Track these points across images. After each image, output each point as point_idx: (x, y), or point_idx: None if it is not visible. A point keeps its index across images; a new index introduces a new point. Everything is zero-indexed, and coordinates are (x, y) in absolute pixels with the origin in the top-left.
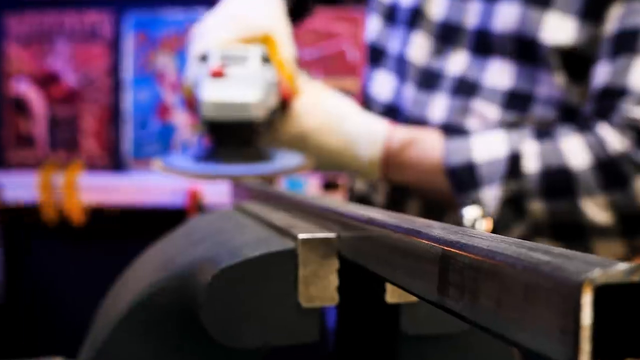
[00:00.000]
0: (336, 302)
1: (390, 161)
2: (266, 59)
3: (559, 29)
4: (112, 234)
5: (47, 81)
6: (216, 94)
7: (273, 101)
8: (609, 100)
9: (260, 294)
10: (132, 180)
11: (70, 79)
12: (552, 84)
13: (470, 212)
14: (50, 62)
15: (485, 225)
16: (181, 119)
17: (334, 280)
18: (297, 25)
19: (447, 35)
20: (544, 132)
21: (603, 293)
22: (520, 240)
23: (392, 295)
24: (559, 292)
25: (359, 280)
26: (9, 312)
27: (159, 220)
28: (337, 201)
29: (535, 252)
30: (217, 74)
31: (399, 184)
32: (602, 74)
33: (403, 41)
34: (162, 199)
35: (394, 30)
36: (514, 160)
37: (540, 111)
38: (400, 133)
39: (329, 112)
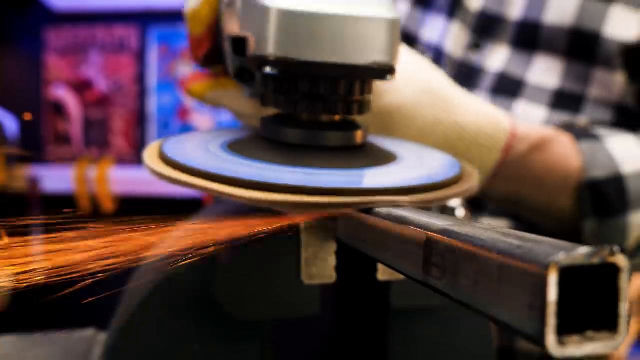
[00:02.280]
0: (334, 280)
1: (510, 168)
2: None
3: (623, 24)
4: (137, 221)
5: (81, 87)
6: (298, 0)
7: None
8: None
9: (267, 273)
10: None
11: (101, 85)
12: (608, 84)
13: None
14: (84, 70)
15: (464, 213)
16: (199, 121)
17: (332, 261)
18: None
19: (487, 27)
20: None
21: (567, 274)
22: (495, 227)
23: (383, 273)
24: (529, 273)
25: (354, 260)
26: (49, 288)
27: (179, 209)
28: None
29: (508, 238)
30: None
31: (500, 199)
32: None
33: (441, 31)
34: (182, 190)
35: (427, 16)
36: None
37: (591, 113)
38: (526, 130)
39: (431, 88)
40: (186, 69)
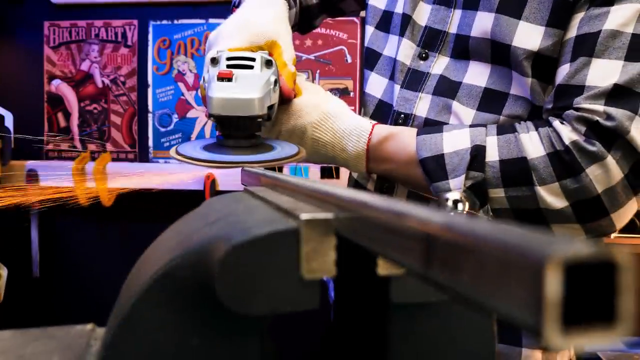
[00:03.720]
0: (334, 274)
1: (372, 154)
2: (268, 62)
3: (528, 37)
4: (136, 215)
5: (80, 81)
6: (223, 93)
7: (273, 99)
8: (566, 97)
9: (267, 267)
10: (154, 169)
11: (100, 79)
12: (523, 85)
13: (452, 195)
14: (82, 64)
15: (465, 207)
16: (197, 114)
17: (332, 255)
18: (305, 34)
19: (431, 41)
20: (505, 127)
21: (567, 268)
22: (494, 220)
23: (383, 268)
24: (529, 267)
25: (354, 255)
26: (44, 284)
27: (178, 203)
28: (335, 186)
29: (508, 232)
30: (224, 76)
31: (381, 175)
32: (561, 74)
33: (396, 46)
34: (181, 184)
35: (387, 36)
36: (477, 152)
37: (511, 109)
38: (381, 129)
39: (325, 112)
40: (183, 63)
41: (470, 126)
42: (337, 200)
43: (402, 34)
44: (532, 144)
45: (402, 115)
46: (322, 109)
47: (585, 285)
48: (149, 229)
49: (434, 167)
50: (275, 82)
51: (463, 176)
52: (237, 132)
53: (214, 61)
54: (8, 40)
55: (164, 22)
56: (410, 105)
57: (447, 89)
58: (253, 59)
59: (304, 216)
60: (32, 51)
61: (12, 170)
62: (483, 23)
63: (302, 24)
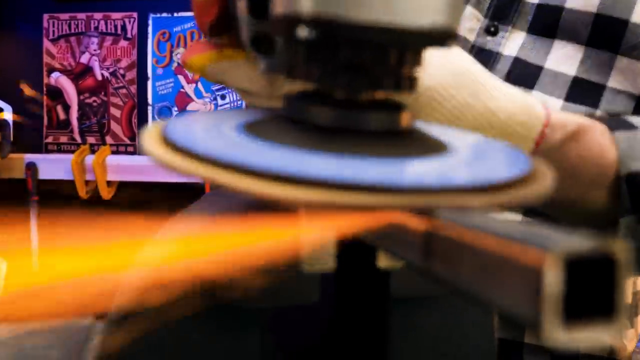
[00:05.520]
0: (334, 268)
1: (543, 159)
2: None
3: None
4: (135, 208)
5: (79, 74)
6: None
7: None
8: None
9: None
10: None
11: (100, 72)
12: (632, 75)
13: None
14: (82, 57)
15: None
16: (197, 107)
17: (332, 249)
18: None
19: (504, 11)
20: None
21: (567, 262)
22: (495, 216)
23: (384, 261)
24: (529, 261)
25: (354, 248)
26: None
27: (178, 196)
28: None
29: (509, 226)
30: None
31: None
32: None
33: None
34: (181, 177)
35: None
36: None
37: (609, 105)
38: (561, 119)
39: (463, 71)
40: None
41: None
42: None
43: (466, 0)
44: None
45: None
46: (455, 65)
47: (586, 279)
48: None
49: None
50: None
51: None
52: (371, 85)
53: None
54: (7, 33)
55: (164, 14)
56: None
57: (524, 74)
58: None
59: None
60: (32, 44)
61: (10, 163)
62: None
63: None
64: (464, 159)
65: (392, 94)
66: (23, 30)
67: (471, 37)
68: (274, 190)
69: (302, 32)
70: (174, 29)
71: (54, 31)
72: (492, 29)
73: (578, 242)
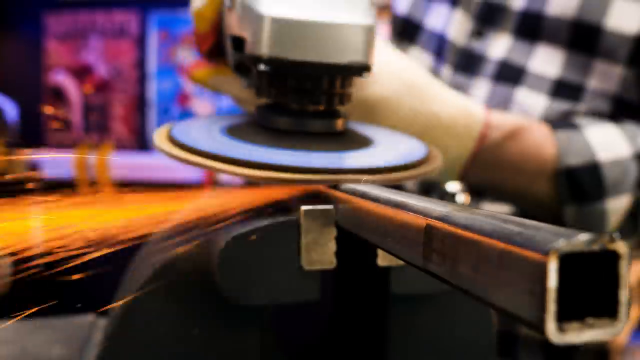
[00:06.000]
0: (334, 265)
1: (485, 156)
2: None
3: (625, 16)
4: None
5: (81, 73)
6: (290, 9)
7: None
8: None
9: (267, 258)
10: (155, 159)
11: (101, 71)
12: (609, 75)
13: (451, 186)
14: (84, 56)
15: (464, 198)
16: (200, 106)
17: (332, 246)
18: None
19: (489, 16)
20: None
21: (567, 260)
22: (495, 213)
23: (383, 259)
24: (529, 259)
25: (354, 246)
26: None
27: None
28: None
29: (508, 224)
30: None
31: (479, 185)
32: None
33: (445, 18)
34: (182, 176)
35: (432, 4)
36: None
37: (590, 103)
38: (500, 119)
39: (412, 82)
40: (186, 54)
41: (613, 119)
42: (337, 191)
43: (453, 3)
44: None
45: None
46: (404, 76)
47: (588, 278)
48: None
49: (587, 182)
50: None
51: (629, 195)
52: (312, 100)
53: None
54: (9, 32)
55: (166, 13)
56: (463, 92)
57: (509, 74)
58: None
59: (304, 207)
60: (34, 43)
61: (13, 161)
62: None
63: None
64: (375, 150)
65: (338, 105)
66: (25, 29)
67: (459, 40)
68: (241, 172)
69: (262, 66)
70: (176, 28)
71: (56, 30)
72: (479, 32)
73: (579, 239)
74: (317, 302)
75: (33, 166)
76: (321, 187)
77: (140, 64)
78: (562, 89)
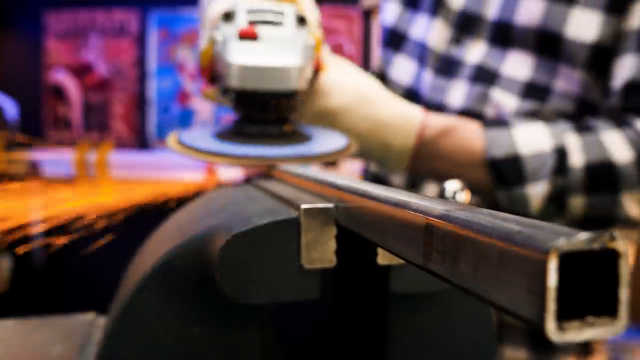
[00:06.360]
0: (334, 264)
1: (424, 150)
2: (302, 19)
3: (583, 25)
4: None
5: (81, 71)
6: (249, 58)
7: (310, 71)
8: (638, 94)
9: (267, 256)
10: (155, 158)
11: (101, 69)
12: (572, 79)
13: (451, 185)
14: (84, 54)
15: (465, 197)
16: (199, 104)
17: (332, 245)
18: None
19: (467, 25)
20: (582, 125)
21: (567, 259)
22: (495, 211)
23: (383, 258)
24: (529, 258)
25: (354, 245)
26: (48, 274)
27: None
28: (335, 176)
29: (508, 223)
30: (248, 35)
31: (426, 175)
32: (627, 68)
33: (425, 27)
34: (182, 174)
35: (416, 15)
36: (560, 154)
37: (557, 104)
38: (435, 120)
39: (360, 93)
40: (186, 53)
41: (544, 121)
42: (337, 190)
43: (433, 14)
44: (617, 145)
45: (434, 105)
46: (355, 88)
47: (588, 277)
48: (151, 218)
49: (509, 171)
50: (312, 47)
51: (546, 182)
52: (266, 114)
53: (229, 16)
54: (9, 31)
55: (166, 12)
56: (442, 94)
57: (484, 78)
58: (282, 13)
59: (304, 206)
60: (34, 41)
61: (13, 160)
62: (531, 9)
63: None
64: (310, 144)
65: (285, 115)
66: (25, 27)
67: (439, 47)
68: (222, 161)
69: (231, 94)
70: (176, 27)
71: (56, 29)
72: (457, 39)
73: (579, 238)
74: (317, 301)
75: (33, 164)
76: (264, 169)
77: (140, 62)
78: (532, 90)
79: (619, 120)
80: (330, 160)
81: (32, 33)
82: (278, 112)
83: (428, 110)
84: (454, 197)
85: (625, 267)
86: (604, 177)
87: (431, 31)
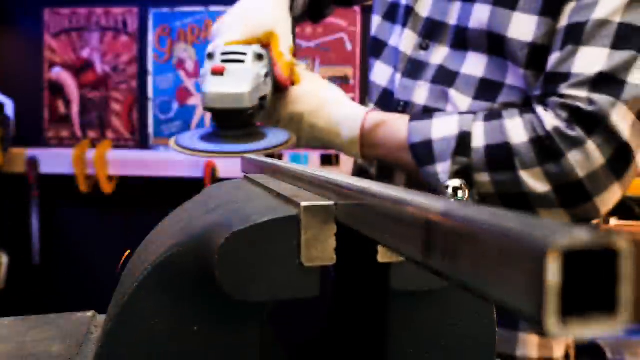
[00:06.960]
0: (334, 262)
1: (365, 140)
2: (259, 56)
3: (523, 27)
4: (136, 202)
5: (80, 68)
6: (214, 87)
7: (264, 90)
8: (552, 84)
9: (267, 254)
10: (154, 156)
11: (100, 66)
12: (518, 75)
13: (452, 183)
14: (83, 52)
15: (465, 194)
16: (197, 102)
17: (332, 243)
18: (317, 23)
19: (432, 31)
20: (493, 114)
21: (568, 255)
22: (495, 208)
23: (383, 255)
24: (529, 255)
25: (354, 242)
26: (44, 272)
27: (178, 190)
28: (335, 174)
29: (509, 220)
30: (217, 70)
31: (376, 159)
32: (550, 62)
33: (398, 36)
34: (181, 172)
35: (394, 26)
36: (463, 138)
37: (506, 98)
38: (374, 116)
39: (321, 99)
40: (184, 50)
41: (460, 113)
42: (337, 188)
43: (404, 24)
44: (516, 129)
45: (403, 103)
46: (319, 96)
47: (587, 273)
48: (150, 216)
49: (423, 152)
50: (267, 74)
51: (449, 161)
52: (231, 123)
53: (210, 56)
54: (8, 28)
55: (165, 9)
56: (409, 93)
57: (445, 78)
58: (244, 53)
59: (304, 203)
60: (33, 38)
61: (12, 157)
62: (480, 14)
63: (313, 12)
64: (265, 140)
65: (247, 123)
66: (24, 25)
67: (408, 51)
68: (206, 155)
69: (207, 111)
70: (175, 24)
71: (55, 26)
72: (424, 45)
73: (580, 235)
74: (317, 299)
75: (32, 161)
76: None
77: (139, 59)
78: (486, 86)
79: (530, 107)
80: (278, 151)
81: (31, 30)
82: (240, 121)
83: (396, 109)
84: (454, 195)
85: (626, 264)
86: (502, 156)
87: (402, 39)
